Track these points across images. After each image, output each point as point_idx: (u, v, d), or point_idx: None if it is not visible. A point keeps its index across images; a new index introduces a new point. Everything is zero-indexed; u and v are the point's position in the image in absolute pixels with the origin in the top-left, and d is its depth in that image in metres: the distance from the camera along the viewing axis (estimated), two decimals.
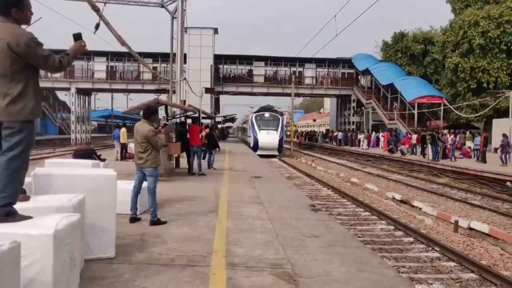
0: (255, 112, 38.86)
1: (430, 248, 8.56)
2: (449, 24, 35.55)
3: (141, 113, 7.63)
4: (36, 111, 3.46)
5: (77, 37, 3.87)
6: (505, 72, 31.07)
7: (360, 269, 4.87)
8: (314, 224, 7.18)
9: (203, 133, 14.62)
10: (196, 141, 13.89)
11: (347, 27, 12.75)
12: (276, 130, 34.16)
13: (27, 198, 3.91)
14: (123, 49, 12.81)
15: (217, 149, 16.97)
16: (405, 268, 7.41)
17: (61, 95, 65.41)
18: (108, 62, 47.96)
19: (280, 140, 34.31)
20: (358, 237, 8.74)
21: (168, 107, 18.04)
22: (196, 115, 20.85)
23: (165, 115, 15.76)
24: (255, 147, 33.58)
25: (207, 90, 34.04)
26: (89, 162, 7.28)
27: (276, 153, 33.77)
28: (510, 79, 31.17)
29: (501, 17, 30.40)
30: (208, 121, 31.21)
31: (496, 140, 24.56)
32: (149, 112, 7.11)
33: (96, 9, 7.80)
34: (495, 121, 29.77)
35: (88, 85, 47.56)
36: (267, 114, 36.17)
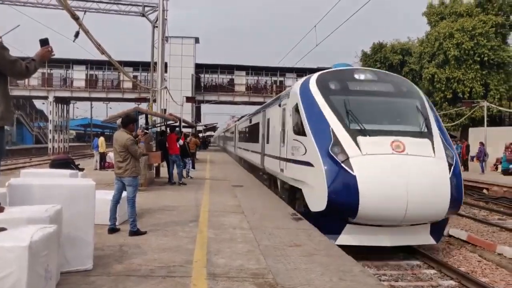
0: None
1: (411, 256, 8.66)
2: (426, 35, 36.46)
3: (119, 121, 7.55)
4: (5, 117, 3.36)
5: (44, 42, 3.79)
6: (479, 83, 31.97)
7: (342, 277, 4.88)
8: (296, 233, 7.17)
9: (180, 142, 14.46)
10: (174, 149, 13.78)
11: (327, 38, 12.91)
12: (428, 134, 8.40)
13: (1, 209, 3.80)
14: (103, 57, 12.66)
15: (189, 158, 16.68)
16: (386, 276, 7.46)
17: (38, 104, 64.24)
18: (87, 71, 47.37)
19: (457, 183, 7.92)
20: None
21: (149, 116, 17.91)
22: (177, 123, 20.75)
23: (145, 123, 15.64)
24: (325, 204, 7.76)
25: (188, 99, 33.97)
26: (67, 171, 7.15)
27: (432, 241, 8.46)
28: (484, 89, 32.09)
29: (474, 29, 31.36)
30: (189, 129, 31.05)
31: (474, 149, 25.18)
32: (127, 120, 7.02)
33: (76, 18, 7.70)
34: (471, 130, 30.54)
35: (67, 94, 46.81)
36: (372, 76, 9.58)
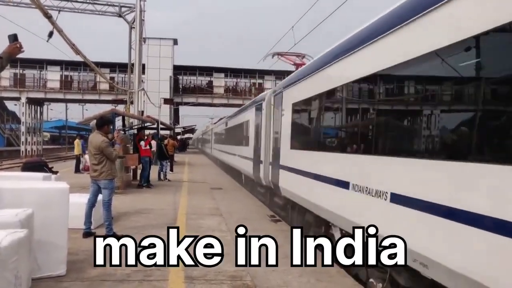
0: None
1: None
2: None
3: (93, 123, 7.40)
4: None
5: (13, 38, 3.67)
6: None
7: (319, 279, 4.92)
8: (274, 234, 7.16)
9: (142, 143, 13.80)
10: (141, 152, 13.64)
11: (304, 38, 13.00)
12: None
13: None
14: (79, 58, 12.44)
15: (167, 160, 16.49)
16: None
17: (10, 105, 62.41)
18: (62, 71, 46.31)
19: None
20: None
21: (126, 118, 17.66)
22: (154, 125, 20.53)
23: (122, 125, 15.42)
24: None
25: (166, 101, 33.70)
26: (40, 175, 6.96)
27: None
28: None
29: None
30: (167, 132, 30.76)
31: None
32: (102, 122, 6.89)
33: (48, 16, 7.54)
34: None
35: (40, 95, 45.61)
36: None
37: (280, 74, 50.01)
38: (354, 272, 5.44)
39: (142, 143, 13.75)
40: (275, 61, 13.74)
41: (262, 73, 49.31)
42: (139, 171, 15.47)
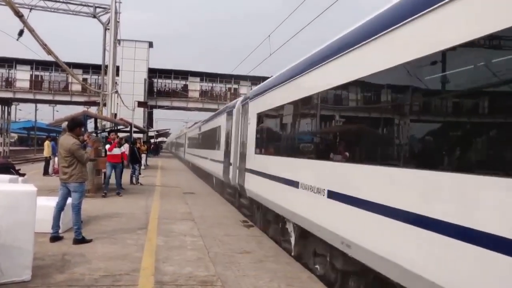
0: None
1: None
2: None
3: (65, 125, 7.23)
4: None
5: None
6: None
7: (290, 284, 4.96)
8: (246, 240, 7.21)
9: (106, 147, 12.51)
10: (107, 156, 12.39)
11: (281, 47, 13.13)
12: None
13: None
14: (50, 58, 12.14)
15: (138, 164, 16.22)
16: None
17: None
18: (32, 71, 45.05)
19: None
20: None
21: (98, 120, 17.35)
22: (127, 128, 20.25)
23: (94, 128, 15.10)
24: None
25: (140, 104, 33.25)
26: (6, 177, 6.77)
27: None
28: None
29: None
30: (141, 135, 30.33)
31: None
32: (74, 124, 6.74)
33: (20, 15, 7.36)
34: None
35: (8, 95, 44.19)
36: None
37: (255, 80, 50.32)
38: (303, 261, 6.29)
39: (107, 146, 12.33)
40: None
41: (238, 78, 49.42)
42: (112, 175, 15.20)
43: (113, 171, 12.33)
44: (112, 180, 12.41)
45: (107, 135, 15.52)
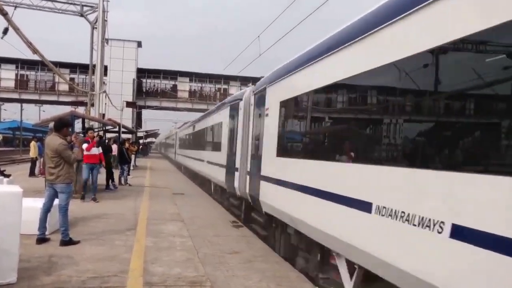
0: None
1: None
2: None
3: (52, 125, 7.12)
4: None
5: None
6: None
7: (279, 283, 4.96)
8: (236, 240, 7.20)
9: (84, 146, 10.61)
10: (84, 157, 10.98)
11: (271, 47, 13.12)
12: None
13: None
14: (36, 57, 11.98)
15: (127, 164, 16.07)
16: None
17: None
18: (18, 70, 44.40)
19: None
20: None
21: (86, 120, 17.15)
22: (115, 128, 20.06)
23: (82, 128, 14.90)
24: None
25: (129, 104, 32.96)
26: None
27: None
28: None
29: None
30: (129, 135, 30.07)
31: None
32: (61, 124, 6.65)
33: (4, 13, 7.24)
34: None
35: None
36: None
37: (245, 80, 50.31)
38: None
39: (85, 145, 10.75)
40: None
41: (228, 79, 49.34)
42: (100, 176, 15.01)
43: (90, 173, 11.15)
44: (102, 179, 12.26)
45: (84, 132, 13.21)
